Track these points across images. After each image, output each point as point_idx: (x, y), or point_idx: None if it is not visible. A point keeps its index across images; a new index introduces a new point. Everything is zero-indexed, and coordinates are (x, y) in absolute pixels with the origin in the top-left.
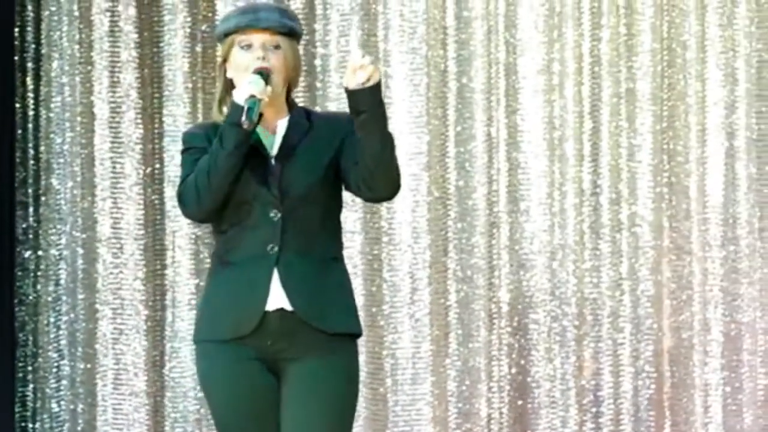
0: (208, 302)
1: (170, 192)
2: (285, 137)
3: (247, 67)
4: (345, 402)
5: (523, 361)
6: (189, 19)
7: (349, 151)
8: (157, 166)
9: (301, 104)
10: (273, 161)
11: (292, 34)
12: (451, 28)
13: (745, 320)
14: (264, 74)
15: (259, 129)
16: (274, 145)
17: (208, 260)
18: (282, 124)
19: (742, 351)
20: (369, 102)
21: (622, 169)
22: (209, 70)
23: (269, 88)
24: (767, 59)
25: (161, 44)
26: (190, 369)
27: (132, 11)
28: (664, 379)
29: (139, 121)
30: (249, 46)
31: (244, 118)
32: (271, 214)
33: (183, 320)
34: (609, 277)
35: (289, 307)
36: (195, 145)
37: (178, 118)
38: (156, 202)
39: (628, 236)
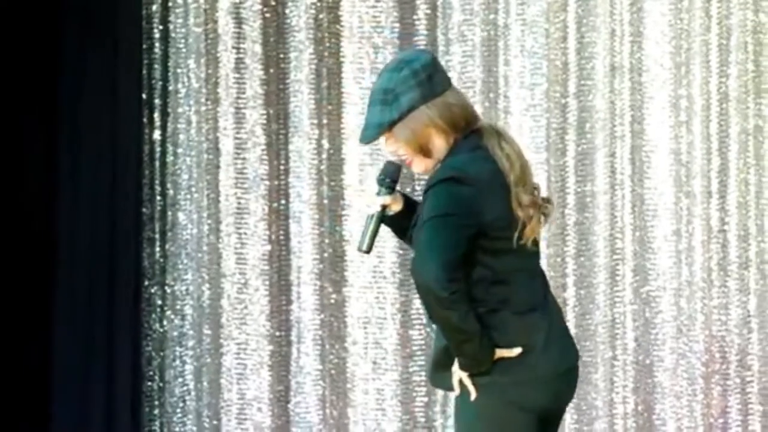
0: None
1: (295, 228)
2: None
3: None
4: None
5: (648, 398)
6: (314, 55)
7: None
8: (283, 202)
9: None
10: None
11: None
12: (573, 63)
13: None
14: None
15: None
16: None
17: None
18: None
19: None
20: None
21: (750, 206)
22: (334, 107)
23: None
24: None
25: (287, 81)
26: (314, 404)
27: (258, 48)
28: None
29: (264, 157)
30: None
31: None
32: None
33: (308, 355)
34: (737, 314)
35: None
36: None
37: (303, 155)
38: (281, 238)
39: (756, 273)
